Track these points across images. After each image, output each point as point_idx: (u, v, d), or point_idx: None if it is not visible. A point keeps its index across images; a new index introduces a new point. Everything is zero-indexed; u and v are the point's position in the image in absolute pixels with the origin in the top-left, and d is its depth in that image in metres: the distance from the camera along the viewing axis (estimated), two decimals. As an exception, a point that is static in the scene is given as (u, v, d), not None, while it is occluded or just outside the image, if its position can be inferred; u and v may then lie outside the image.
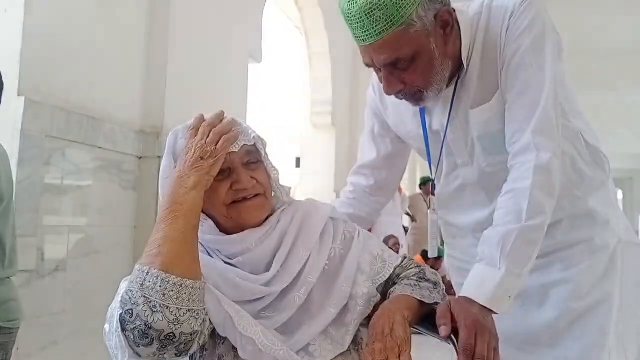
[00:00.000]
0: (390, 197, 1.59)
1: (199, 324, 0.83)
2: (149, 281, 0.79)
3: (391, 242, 5.29)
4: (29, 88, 1.69)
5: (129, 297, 0.79)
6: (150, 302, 0.78)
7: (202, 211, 0.98)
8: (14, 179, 1.60)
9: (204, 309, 0.85)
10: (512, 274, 1.02)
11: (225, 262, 1.00)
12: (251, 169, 1.01)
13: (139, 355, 0.81)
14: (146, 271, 0.80)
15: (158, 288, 0.79)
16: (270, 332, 0.93)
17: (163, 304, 0.78)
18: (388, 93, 1.17)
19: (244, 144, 1.00)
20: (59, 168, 1.82)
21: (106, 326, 0.84)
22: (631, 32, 6.97)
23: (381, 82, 1.17)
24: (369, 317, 1.03)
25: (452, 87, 1.23)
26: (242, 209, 0.99)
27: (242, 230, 1.00)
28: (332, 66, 5.02)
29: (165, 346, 0.79)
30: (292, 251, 1.02)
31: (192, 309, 0.82)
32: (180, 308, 0.80)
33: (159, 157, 2.21)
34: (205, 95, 2.59)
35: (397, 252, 5.21)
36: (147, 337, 0.78)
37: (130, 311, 0.78)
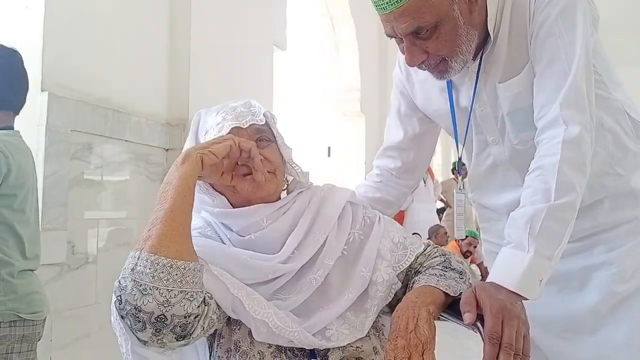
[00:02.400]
0: (418, 180, 1.53)
1: (195, 306, 0.80)
2: (140, 265, 0.77)
3: (441, 232, 5.20)
4: (53, 83, 1.70)
5: (119, 284, 0.78)
6: (140, 285, 0.76)
7: (214, 188, 0.98)
8: (40, 174, 1.61)
9: (201, 291, 0.82)
10: (542, 257, 0.94)
11: (239, 240, 0.97)
12: (262, 147, 0.99)
13: (144, 342, 0.79)
14: (137, 256, 0.78)
15: (148, 271, 0.76)
16: (284, 313, 0.91)
17: (153, 286, 0.76)
18: (411, 64, 1.11)
19: (252, 124, 0.98)
20: (85, 162, 1.83)
21: (112, 317, 0.83)
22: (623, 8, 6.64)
23: (403, 54, 1.11)
24: (390, 306, 1.00)
25: (477, 61, 1.17)
26: (248, 180, 0.96)
27: (253, 203, 0.97)
28: (360, 53, 4.94)
29: (160, 330, 0.77)
30: (308, 234, 0.99)
31: (185, 291, 0.78)
32: (171, 290, 0.77)
33: (186, 149, 2.20)
34: (230, 85, 2.57)
35: (447, 241, 5.11)
36: (140, 321, 0.76)
37: (120, 297, 0.77)
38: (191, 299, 0.79)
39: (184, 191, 0.85)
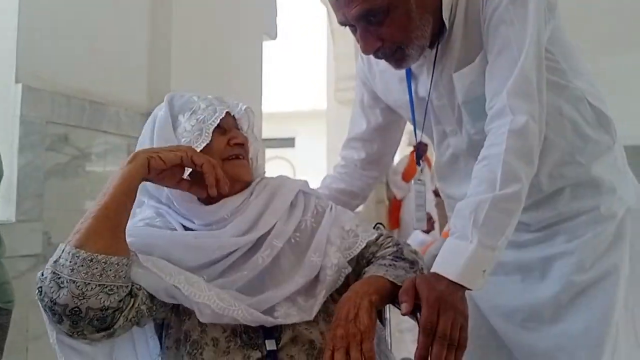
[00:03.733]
0: (383, 172, 1.53)
1: (114, 299, 0.80)
2: (62, 258, 0.78)
3: (432, 221, 5.20)
4: (28, 75, 1.70)
5: (41, 275, 0.79)
6: (59, 277, 0.77)
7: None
8: (15, 165, 1.62)
9: (125, 285, 0.82)
10: (485, 247, 0.93)
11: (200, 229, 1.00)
12: (237, 134, 1.04)
13: (68, 334, 0.80)
14: (62, 249, 0.79)
15: (68, 264, 0.77)
16: (227, 292, 0.92)
17: (70, 279, 0.76)
18: (366, 52, 1.10)
19: (234, 116, 1.05)
20: (62, 154, 1.83)
21: None
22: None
23: (358, 43, 1.10)
24: (340, 294, 1.00)
25: (434, 50, 1.15)
26: (237, 164, 1.03)
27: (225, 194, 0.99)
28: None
29: (77, 322, 0.78)
30: (259, 219, 1.01)
31: (104, 284, 0.79)
32: (89, 283, 0.77)
33: (167, 139, 2.20)
34: (215, 74, 2.56)
35: (432, 228, 5.12)
36: (56, 314, 0.77)
37: (40, 289, 0.78)
38: (110, 292, 0.80)
39: (123, 190, 0.86)
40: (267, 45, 3.34)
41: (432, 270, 0.95)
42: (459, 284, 0.91)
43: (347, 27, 1.11)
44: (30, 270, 1.70)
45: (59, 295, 0.76)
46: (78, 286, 0.77)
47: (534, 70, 1.01)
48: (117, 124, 2.04)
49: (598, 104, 1.19)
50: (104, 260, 0.79)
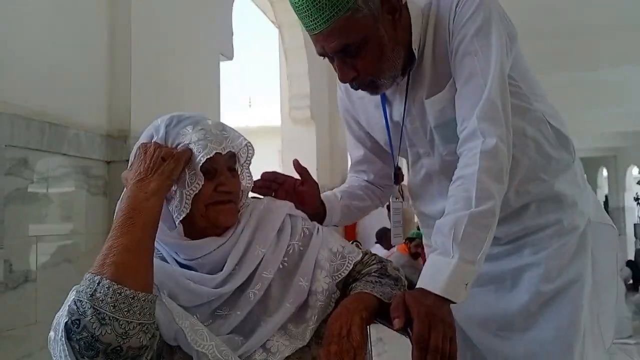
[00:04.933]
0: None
1: (148, 338, 0.80)
2: (100, 292, 0.76)
3: (389, 235, 5.28)
4: (-15, 97, 1.64)
5: (77, 307, 0.76)
6: (99, 313, 0.75)
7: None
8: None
9: (154, 323, 0.83)
10: (466, 262, 0.99)
11: (182, 265, 0.99)
12: (232, 176, 1.01)
13: None
14: (97, 281, 0.77)
15: (109, 300, 0.76)
16: (226, 342, 0.92)
17: (113, 317, 0.76)
18: (343, 81, 1.18)
19: (229, 150, 0.99)
20: (22, 178, 1.77)
21: (51, 334, 0.81)
22: (612, 9, 6.99)
23: (336, 72, 1.16)
24: (330, 315, 1.02)
25: (406, 78, 1.22)
26: (221, 210, 1.00)
27: (209, 234, 1.00)
28: (309, 60, 4.98)
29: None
30: (248, 250, 1.02)
31: (143, 323, 0.79)
32: (131, 322, 0.77)
33: (127, 161, 2.15)
34: (173, 95, 2.54)
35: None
36: (93, 350, 0.75)
37: (77, 321, 0.76)
38: (147, 331, 0.80)
39: (153, 224, 0.86)
40: (223, 65, 3.34)
41: (418, 286, 0.99)
42: (444, 298, 0.96)
43: (325, 57, 1.17)
44: (-10, 300, 1.62)
45: (102, 332, 0.75)
46: (121, 325, 0.76)
47: (499, 96, 1.09)
48: (77, 146, 1.99)
49: (557, 124, 1.28)
50: (143, 298, 0.79)
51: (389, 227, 4.79)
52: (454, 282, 0.97)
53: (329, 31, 1.08)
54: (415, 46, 1.17)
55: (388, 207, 4.90)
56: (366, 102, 1.34)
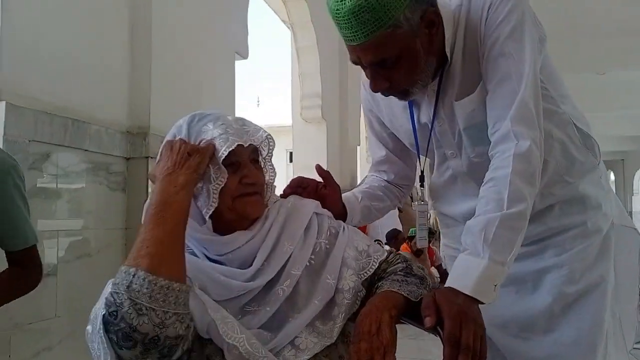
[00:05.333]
0: (413, 182, 1.59)
1: (184, 328, 0.82)
2: (136, 283, 0.78)
3: (400, 238, 5.32)
4: (10, 92, 1.66)
5: (114, 299, 0.78)
6: (136, 304, 0.77)
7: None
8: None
9: (189, 313, 0.84)
10: (496, 263, 1.00)
11: (211, 260, 1.00)
12: (255, 168, 1.02)
13: (122, 358, 0.80)
14: (133, 273, 0.79)
15: (145, 290, 0.77)
16: (256, 335, 0.93)
17: (150, 307, 0.77)
18: (375, 91, 1.18)
19: (251, 144, 1.01)
20: (45, 173, 1.79)
21: (89, 327, 0.83)
22: (620, 12, 6.98)
23: (368, 79, 1.17)
24: (356, 313, 1.03)
25: (437, 80, 1.23)
26: (248, 202, 1.01)
27: (237, 227, 1.01)
28: (321, 59, 4.99)
29: (149, 350, 0.78)
30: (276, 246, 1.03)
31: (178, 313, 0.80)
32: (167, 311, 0.79)
33: (147, 158, 2.19)
34: (191, 93, 2.56)
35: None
36: (131, 340, 0.77)
37: (115, 313, 0.77)
38: (182, 321, 0.81)
39: (185, 217, 0.88)
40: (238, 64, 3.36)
41: (447, 285, 1.00)
42: (473, 298, 0.96)
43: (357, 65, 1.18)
44: (13, 293, 1.64)
45: (139, 322, 0.76)
46: (158, 314, 0.77)
47: (532, 98, 1.09)
48: (98, 142, 2.01)
49: (583, 126, 1.28)
50: (178, 289, 0.80)
51: (399, 228, 4.78)
52: (484, 282, 0.98)
53: (367, 45, 1.08)
54: (448, 49, 1.17)
55: (399, 209, 4.89)
56: (392, 104, 1.35)
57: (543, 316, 1.26)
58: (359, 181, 5.53)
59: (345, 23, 1.07)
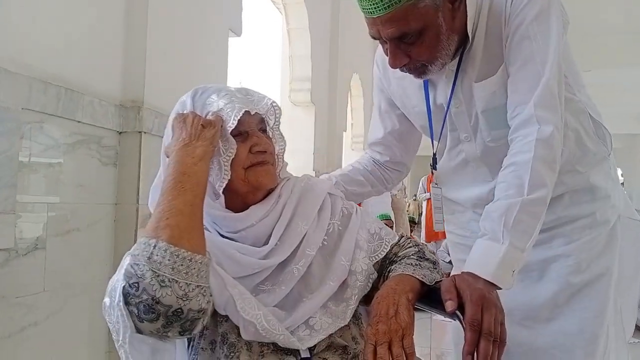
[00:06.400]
0: (407, 171, 1.57)
1: (206, 301, 0.79)
2: (157, 254, 0.75)
3: (390, 225, 5.35)
4: (5, 58, 1.59)
5: (135, 271, 0.75)
6: (158, 276, 0.74)
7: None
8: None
9: (209, 287, 0.82)
10: (515, 249, 1.00)
11: (224, 237, 0.98)
12: (264, 136, 1.00)
13: (141, 332, 0.77)
14: (153, 244, 0.76)
15: (167, 262, 0.75)
16: (272, 313, 0.91)
17: (172, 279, 0.74)
18: (394, 66, 1.15)
19: (257, 112, 0.98)
20: (36, 143, 1.73)
21: (106, 300, 0.80)
22: (603, 13, 7.08)
23: (387, 55, 1.14)
24: (366, 296, 1.02)
25: (456, 60, 1.20)
26: (260, 172, 0.99)
27: (250, 200, 1.00)
28: (312, 43, 4.93)
29: (172, 323, 0.76)
30: (290, 224, 1.02)
31: (201, 286, 0.78)
32: (190, 284, 0.76)
33: (140, 133, 2.13)
34: (185, 69, 2.50)
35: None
36: (154, 312, 0.74)
37: (136, 284, 0.74)
38: (204, 293, 0.79)
39: (203, 188, 0.85)
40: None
41: (466, 270, 0.99)
42: (492, 283, 0.96)
43: (377, 40, 1.15)
44: (2, 265, 1.59)
45: (162, 294, 0.73)
46: (181, 286, 0.75)
47: (556, 83, 1.08)
48: (92, 114, 1.95)
49: (596, 116, 1.28)
50: (200, 261, 0.78)
51: (391, 215, 4.76)
52: (503, 268, 0.97)
53: (388, 17, 1.05)
54: (470, 28, 1.15)
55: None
56: (406, 84, 1.32)
57: (547, 305, 1.27)
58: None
59: None
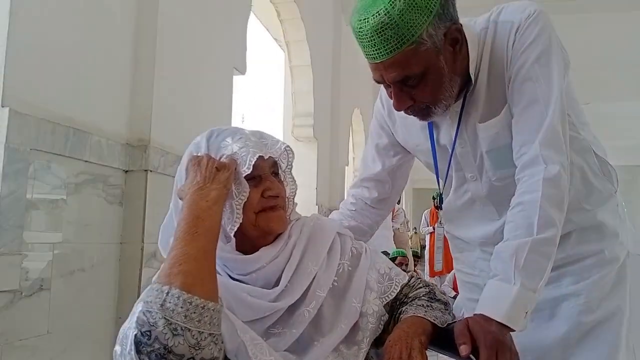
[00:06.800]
0: (389, 210, 1.57)
1: (218, 349, 0.78)
2: (170, 302, 0.74)
3: (397, 262, 5.30)
4: (14, 99, 1.62)
5: (147, 318, 0.74)
6: (171, 324, 0.73)
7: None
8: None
9: (221, 334, 0.81)
10: (527, 289, 0.99)
11: (234, 279, 0.97)
12: (277, 181, 1.00)
13: None
14: (166, 291, 0.75)
15: (180, 310, 0.74)
16: (283, 358, 0.90)
17: (185, 327, 0.74)
18: (398, 109, 1.16)
19: (270, 156, 0.99)
20: (44, 183, 1.74)
21: (117, 348, 0.78)
22: (601, 48, 7.20)
23: (391, 99, 1.15)
24: (378, 338, 1.01)
25: (460, 101, 1.22)
26: (271, 217, 0.99)
27: (260, 244, 1.00)
28: (314, 79, 5.00)
29: None
30: (300, 266, 1.01)
31: (213, 334, 0.77)
32: (202, 332, 0.75)
33: (146, 171, 2.14)
34: (191, 108, 2.54)
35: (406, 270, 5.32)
36: None
37: (148, 333, 0.73)
38: (216, 342, 0.78)
39: (217, 233, 0.85)
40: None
41: (478, 312, 0.98)
42: (505, 325, 0.95)
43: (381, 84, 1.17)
44: (6, 307, 1.58)
45: (174, 343, 0.72)
46: (193, 335, 0.74)
47: (560, 123, 1.09)
48: (99, 153, 1.96)
49: (602, 154, 1.29)
50: (212, 308, 0.77)
51: (389, 251, 4.75)
52: (516, 309, 0.96)
53: (391, 62, 1.07)
54: (472, 70, 1.17)
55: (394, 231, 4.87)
56: (410, 123, 1.34)
57: (559, 346, 1.25)
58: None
59: (369, 41, 1.06)
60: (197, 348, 0.74)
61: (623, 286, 1.27)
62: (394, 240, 5.63)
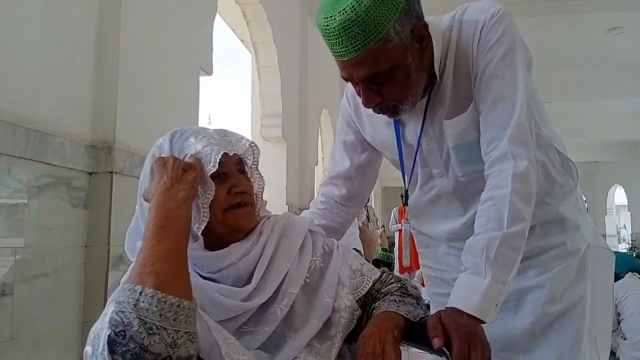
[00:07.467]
0: (360, 207, 1.58)
1: (194, 348, 0.78)
2: (144, 301, 0.73)
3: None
4: (-28, 100, 1.57)
5: (120, 318, 0.73)
6: (146, 323, 0.72)
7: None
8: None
9: (196, 333, 0.80)
10: (497, 282, 1.02)
11: (205, 278, 0.97)
12: (243, 177, 1.00)
13: None
14: (139, 291, 0.74)
15: (154, 309, 0.73)
16: (256, 356, 0.90)
17: (161, 326, 0.73)
18: (367, 106, 1.17)
19: (235, 154, 0.98)
20: (4, 187, 1.69)
21: (88, 348, 0.77)
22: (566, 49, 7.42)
23: (359, 96, 1.16)
24: (351, 334, 1.02)
25: (425, 98, 1.24)
26: (239, 214, 0.99)
27: (230, 241, 0.99)
28: (282, 79, 4.99)
29: None
30: (272, 263, 1.01)
31: (189, 332, 0.77)
32: (178, 331, 0.75)
33: (111, 173, 2.10)
34: (157, 109, 2.50)
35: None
36: None
37: (123, 333, 0.72)
38: (192, 340, 0.77)
39: (187, 232, 0.85)
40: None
41: (450, 305, 1.00)
42: (476, 318, 0.97)
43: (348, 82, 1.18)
44: (-34, 315, 1.53)
45: (151, 342, 0.71)
46: (169, 334, 0.73)
47: (526, 120, 1.12)
48: (62, 155, 1.92)
49: (562, 150, 1.33)
50: (187, 307, 0.76)
51: (359, 248, 4.79)
52: (486, 302, 0.98)
53: (358, 59, 1.07)
54: (437, 68, 1.19)
55: (360, 229, 4.93)
56: (376, 120, 1.35)
57: (525, 336, 1.28)
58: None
59: (336, 38, 1.06)
60: (173, 347, 0.74)
61: (585, 277, 1.31)
62: (361, 238, 5.67)
